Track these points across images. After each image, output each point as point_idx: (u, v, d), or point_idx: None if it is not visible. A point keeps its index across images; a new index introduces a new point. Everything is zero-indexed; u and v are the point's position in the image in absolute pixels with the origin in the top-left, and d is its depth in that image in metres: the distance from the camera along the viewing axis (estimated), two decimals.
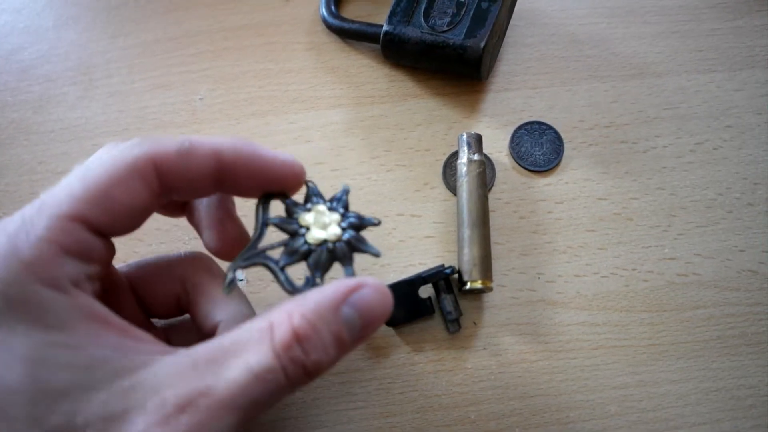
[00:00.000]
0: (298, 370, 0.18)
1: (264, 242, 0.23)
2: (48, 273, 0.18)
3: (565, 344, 0.31)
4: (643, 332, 0.31)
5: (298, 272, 0.22)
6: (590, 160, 0.35)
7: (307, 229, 0.23)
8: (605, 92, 0.36)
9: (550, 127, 0.35)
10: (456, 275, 0.31)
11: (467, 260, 0.31)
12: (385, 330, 0.31)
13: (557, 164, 0.34)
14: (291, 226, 0.23)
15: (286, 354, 0.18)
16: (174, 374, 0.18)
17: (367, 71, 0.37)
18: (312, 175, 0.32)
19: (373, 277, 0.20)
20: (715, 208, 0.34)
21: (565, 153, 0.35)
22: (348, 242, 0.23)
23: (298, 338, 0.18)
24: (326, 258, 0.22)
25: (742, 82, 0.37)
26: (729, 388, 0.30)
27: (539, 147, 0.35)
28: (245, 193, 0.23)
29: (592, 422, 0.29)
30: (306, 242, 0.22)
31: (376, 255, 0.23)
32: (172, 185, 0.21)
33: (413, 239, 0.33)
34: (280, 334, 0.18)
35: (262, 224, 0.23)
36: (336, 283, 0.20)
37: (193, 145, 0.21)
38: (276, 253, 0.22)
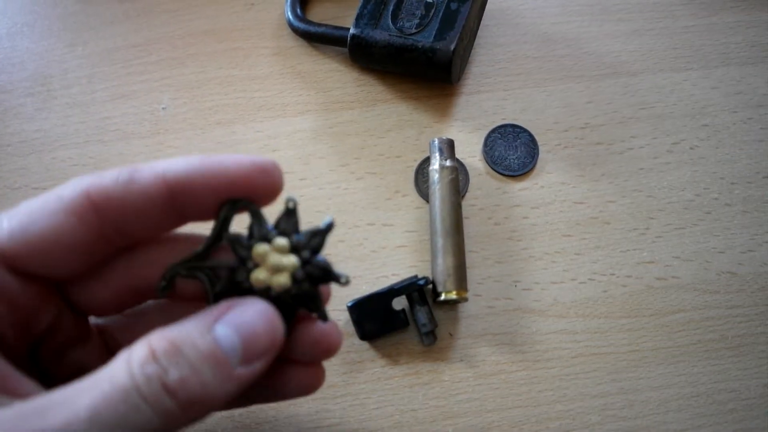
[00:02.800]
0: (157, 389, 0.17)
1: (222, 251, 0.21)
2: None
3: (543, 353, 0.30)
4: (623, 338, 0.30)
5: None
6: (566, 162, 0.34)
7: (256, 265, 0.20)
8: (580, 93, 0.36)
9: (524, 130, 0.34)
10: (430, 286, 0.30)
11: (441, 270, 0.30)
12: (359, 344, 0.30)
13: (532, 168, 0.34)
14: (242, 251, 0.20)
15: (140, 371, 0.17)
16: (30, 411, 0.16)
17: (335, 76, 0.36)
18: None
19: (257, 300, 0.19)
20: (693, 210, 0.33)
21: (540, 156, 0.34)
22: (296, 296, 0.20)
23: (153, 355, 0.17)
24: None
25: (717, 80, 0.36)
26: (710, 393, 0.29)
27: (513, 151, 0.34)
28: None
29: None
30: (248, 280, 0.20)
31: (324, 320, 0.21)
32: (116, 220, 0.19)
33: (385, 249, 0.32)
34: (136, 352, 0.17)
35: (216, 235, 0.20)
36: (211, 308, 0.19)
37: (134, 173, 0.19)
38: (223, 271, 0.20)
